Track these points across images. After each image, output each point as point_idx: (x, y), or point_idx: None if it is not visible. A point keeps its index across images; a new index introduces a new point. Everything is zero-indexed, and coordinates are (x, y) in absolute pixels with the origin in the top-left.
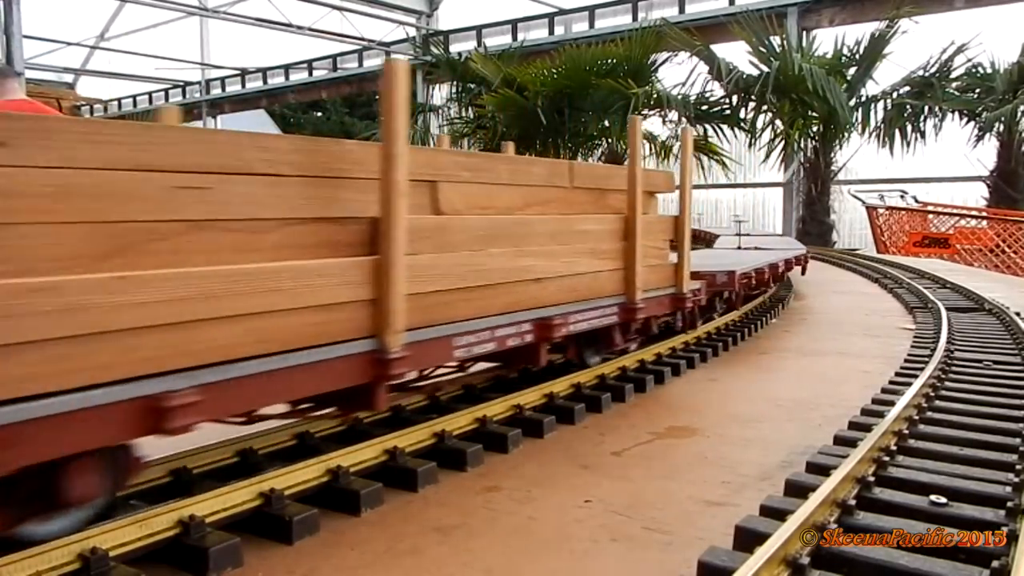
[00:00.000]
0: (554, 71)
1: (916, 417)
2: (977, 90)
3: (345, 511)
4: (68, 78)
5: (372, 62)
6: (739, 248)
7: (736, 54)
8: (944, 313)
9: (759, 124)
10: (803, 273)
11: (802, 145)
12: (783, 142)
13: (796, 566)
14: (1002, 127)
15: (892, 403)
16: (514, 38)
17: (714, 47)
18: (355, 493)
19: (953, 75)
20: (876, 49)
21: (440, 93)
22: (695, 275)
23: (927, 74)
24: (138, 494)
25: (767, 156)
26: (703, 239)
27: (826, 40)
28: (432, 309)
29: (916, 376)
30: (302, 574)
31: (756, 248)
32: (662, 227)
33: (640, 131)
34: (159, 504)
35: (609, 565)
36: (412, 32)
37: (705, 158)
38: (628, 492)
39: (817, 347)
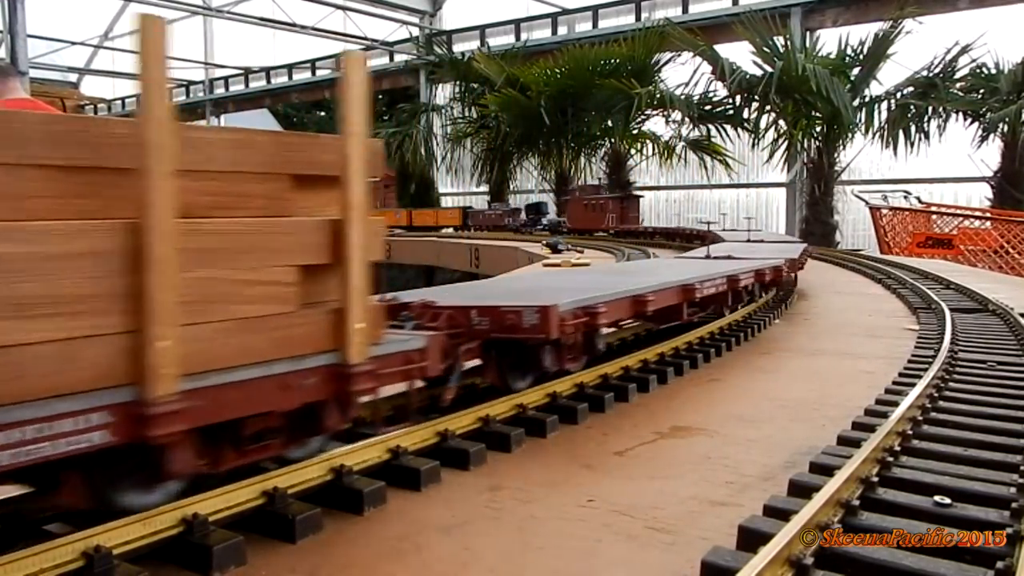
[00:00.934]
0: (557, 71)
1: (920, 418)
2: (981, 91)
3: (348, 510)
4: (72, 77)
5: (375, 62)
6: (707, 257)
7: (740, 54)
8: (948, 314)
9: (762, 124)
10: (783, 290)
11: (805, 145)
12: (786, 142)
13: (800, 566)
14: (1006, 128)
15: (896, 403)
16: (517, 38)
17: (717, 47)
18: (358, 492)
19: (957, 76)
20: (880, 49)
21: (443, 93)
22: (460, 312)
23: (931, 74)
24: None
25: (770, 156)
26: (708, 240)
27: (830, 40)
28: None
29: (920, 377)
30: (305, 573)
31: (728, 256)
32: (280, 243)
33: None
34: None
35: (612, 565)
36: (415, 32)
37: (708, 158)
38: (631, 492)
39: (820, 347)
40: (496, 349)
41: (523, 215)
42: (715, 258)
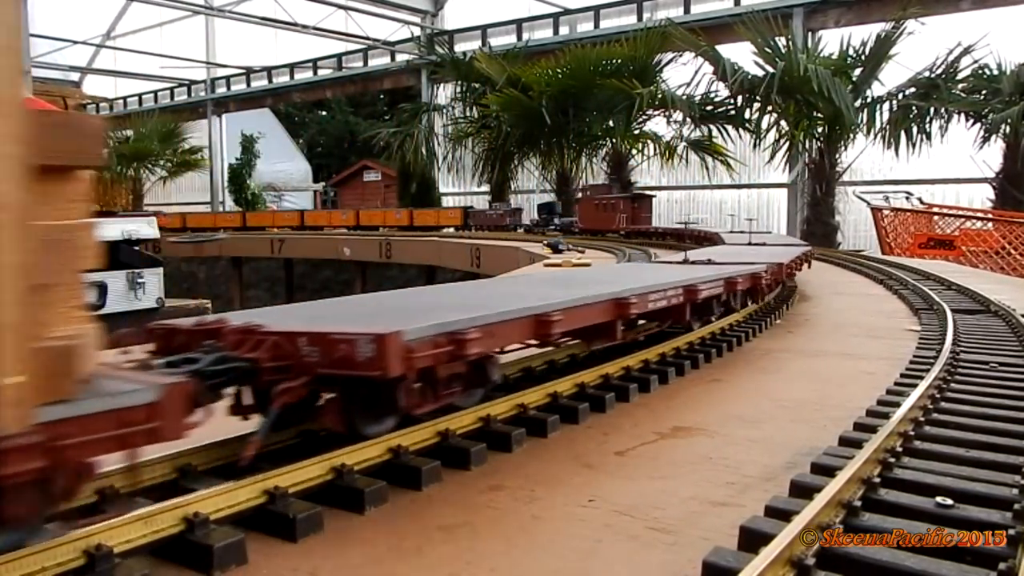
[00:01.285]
0: (559, 71)
1: (922, 419)
2: (983, 91)
3: (349, 509)
4: (74, 76)
5: (377, 61)
6: (685, 262)
7: (741, 55)
8: (949, 315)
9: (764, 125)
10: (760, 301)
11: (807, 146)
12: (788, 143)
13: (802, 567)
14: (1008, 129)
15: (897, 404)
16: (519, 38)
17: (719, 47)
18: (359, 491)
19: (959, 76)
20: (882, 50)
21: (445, 92)
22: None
23: (933, 75)
24: (143, 491)
25: (772, 157)
26: (711, 240)
27: (832, 41)
28: None
29: (921, 378)
30: (306, 572)
31: (708, 261)
32: None
33: None
34: (164, 501)
35: (613, 565)
36: (417, 31)
37: (709, 158)
38: (632, 492)
39: (821, 348)
40: (341, 385)
41: (517, 215)
42: (694, 263)
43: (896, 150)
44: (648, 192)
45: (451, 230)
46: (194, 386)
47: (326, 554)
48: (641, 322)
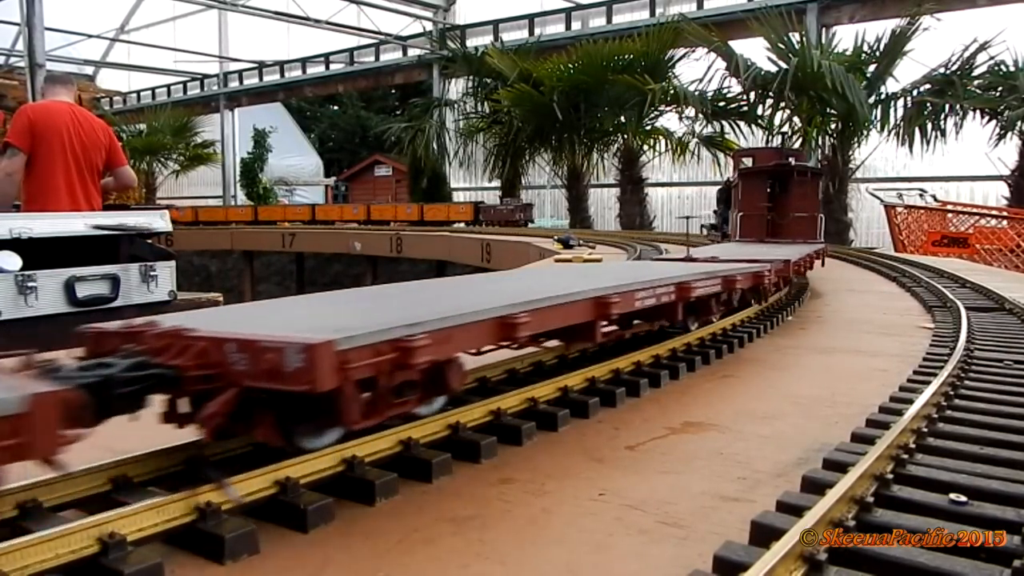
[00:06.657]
0: (570, 66)
1: (935, 415)
2: (999, 88)
3: (360, 501)
4: (88, 70)
5: (389, 56)
6: (687, 258)
7: (754, 50)
8: (963, 312)
9: (777, 121)
10: (764, 300)
11: (820, 143)
12: (801, 139)
13: (813, 562)
14: None
15: (911, 401)
16: (531, 33)
17: (732, 43)
18: (370, 483)
19: (975, 73)
20: (897, 46)
21: (456, 88)
22: None
23: (948, 72)
24: (155, 480)
25: None
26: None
27: (846, 37)
28: None
29: (935, 375)
30: (316, 563)
31: (713, 259)
32: None
33: None
34: (177, 491)
35: (624, 558)
36: (429, 26)
37: (721, 155)
38: (642, 486)
39: (834, 345)
40: (275, 396)
41: (528, 211)
42: (696, 260)
43: (910, 147)
44: (808, 166)
45: (462, 225)
46: (75, 396)
47: (336, 545)
48: (636, 321)
